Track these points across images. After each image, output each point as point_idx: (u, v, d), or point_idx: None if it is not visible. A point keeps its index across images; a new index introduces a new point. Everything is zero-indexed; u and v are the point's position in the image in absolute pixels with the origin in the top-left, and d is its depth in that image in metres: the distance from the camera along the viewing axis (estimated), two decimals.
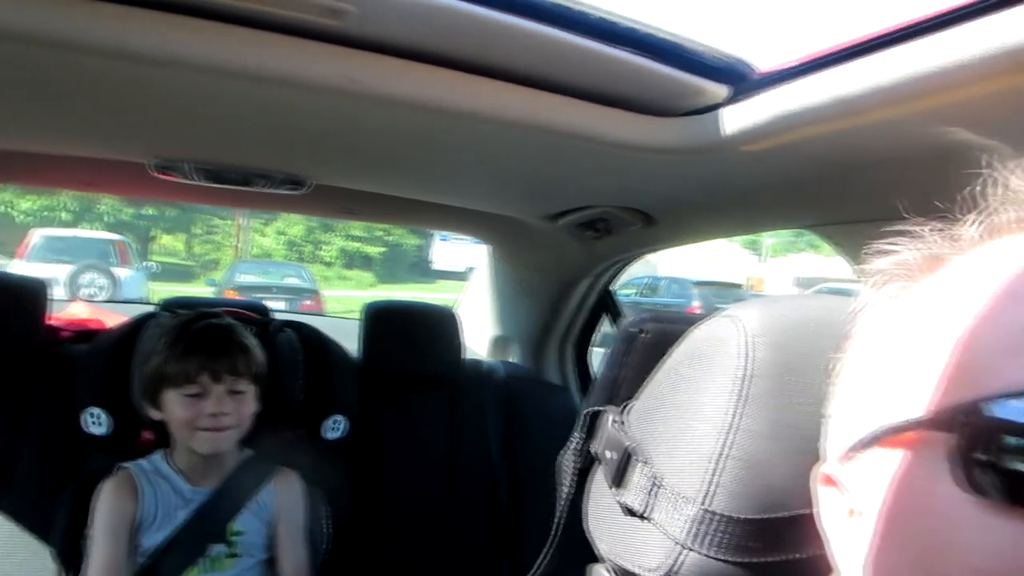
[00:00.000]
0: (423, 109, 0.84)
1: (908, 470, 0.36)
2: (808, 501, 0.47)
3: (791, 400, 0.50)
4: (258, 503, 1.34)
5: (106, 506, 1.26)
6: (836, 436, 0.44)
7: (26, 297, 1.56)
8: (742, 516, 0.49)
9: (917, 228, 0.43)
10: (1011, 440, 0.32)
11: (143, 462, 1.33)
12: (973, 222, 0.40)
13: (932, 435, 0.35)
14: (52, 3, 0.67)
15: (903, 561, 0.36)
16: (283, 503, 1.37)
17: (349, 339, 1.79)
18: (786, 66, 0.79)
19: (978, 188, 0.41)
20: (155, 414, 1.31)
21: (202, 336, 1.29)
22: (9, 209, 20.71)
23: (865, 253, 0.44)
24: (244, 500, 1.32)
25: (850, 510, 0.40)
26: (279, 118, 0.96)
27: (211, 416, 1.25)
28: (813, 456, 0.47)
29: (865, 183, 0.93)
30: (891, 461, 0.37)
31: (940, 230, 0.42)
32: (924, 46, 0.65)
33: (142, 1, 0.68)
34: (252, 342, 1.36)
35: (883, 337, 0.42)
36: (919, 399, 0.36)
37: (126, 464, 1.32)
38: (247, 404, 1.31)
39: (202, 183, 1.34)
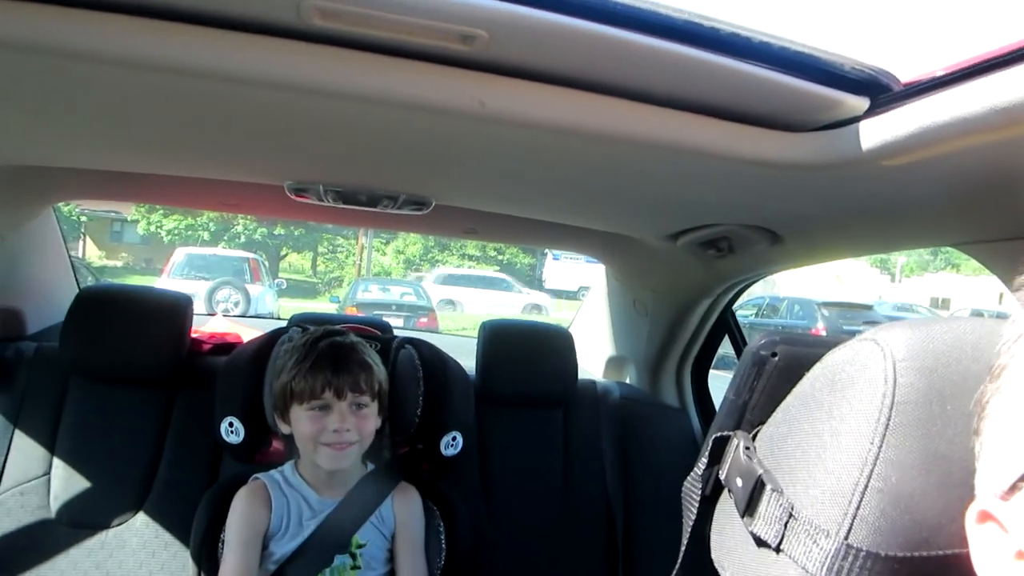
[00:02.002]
0: (551, 131, 0.85)
1: None
2: (964, 540, 0.43)
3: (943, 430, 0.47)
4: (380, 516, 1.37)
5: (240, 515, 1.32)
6: (994, 471, 0.41)
7: (175, 312, 1.70)
8: (886, 553, 0.46)
9: None
10: None
11: (275, 473, 1.39)
12: None
13: None
14: (200, 36, 0.72)
15: None
16: (403, 517, 1.40)
17: (467, 358, 1.82)
18: (931, 76, 0.75)
19: None
20: (284, 428, 1.36)
21: (327, 353, 1.33)
22: (157, 229, 22.59)
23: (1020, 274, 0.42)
24: (367, 513, 1.36)
25: (1018, 552, 0.38)
26: (408, 141, 1.00)
27: (334, 432, 1.29)
28: (969, 490, 0.44)
29: (1021, 196, 0.86)
30: None
31: None
32: None
33: (284, 32, 0.73)
34: (374, 359, 1.39)
35: None
36: None
37: (260, 475, 1.38)
38: (369, 420, 1.34)
39: (333, 204, 1.41)
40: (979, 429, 0.44)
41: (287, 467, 1.40)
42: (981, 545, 0.41)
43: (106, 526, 1.57)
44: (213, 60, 0.73)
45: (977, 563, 0.41)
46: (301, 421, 1.31)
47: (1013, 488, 0.39)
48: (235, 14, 0.70)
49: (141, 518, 1.58)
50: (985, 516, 0.41)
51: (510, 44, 0.73)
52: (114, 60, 0.73)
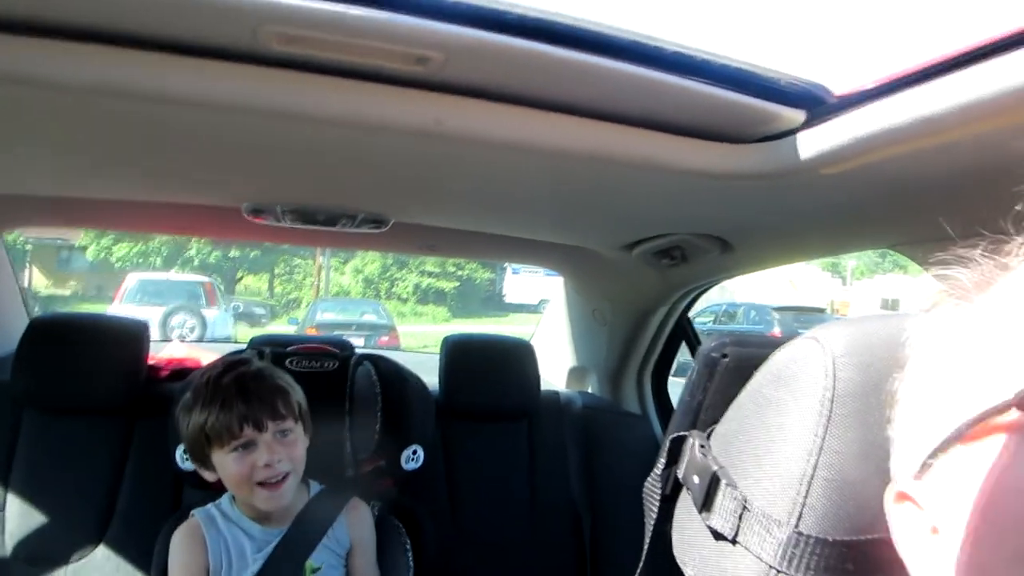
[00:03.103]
0: (506, 148, 0.87)
1: (995, 458, 0.36)
2: None
3: (879, 420, 0.49)
4: (332, 537, 1.33)
5: (177, 561, 1.27)
6: (906, 453, 0.44)
7: (131, 339, 1.67)
8: (835, 538, 0.48)
9: (968, 253, 0.44)
10: None
11: (212, 508, 1.32)
12: (1021, 246, 0.41)
13: (1019, 416, 0.35)
14: (158, 61, 0.73)
15: (998, 558, 0.35)
16: (356, 534, 1.36)
17: (429, 374, 1.82)
18: (864, 88, 0.79)
19: None
20: (210, 476, 1.28)
21: (234, 388, 1.24)
22: (107, 255, 22.01)
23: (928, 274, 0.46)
24: (318, 536, 1.30)
25: (932, 527, 0.40)
26: (365, 161, 1.02)
27: (265, 467, 1.22)
28: None
29: (950, 199, 0.91)
30: (973, 457, 0.37)
31: (990, 254, 0.43)
32: (1009, 61, 0.64)
33: (242, 56, 0.74)
34: (286, 379, 1.33)
35: (944, 351, 0.42)
36: (997, 389, 0.36)
37: (196, 511, 1.32)
38: (298, 445, 1.27)
39: (291, 225, 1.41)
40: (891, 417, 0.47)
41: (225, 499, 1.33)
42: (900, 524, 0.43)
43: (65, 561, 1.52)
44: (172, 85, 0.74)
45: (897, 541, 0.44)
46: (226, 465, 1.23)
47: (924, 467, 0.41)
48: (193, 39, 0.71)
49: (101, 551, 1.54)
50: (902, 496, 0.43)
51: (464, 65, 0.75)
52: (69, 86, 0.73)
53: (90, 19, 0.68)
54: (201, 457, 1.27)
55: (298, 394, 1.32)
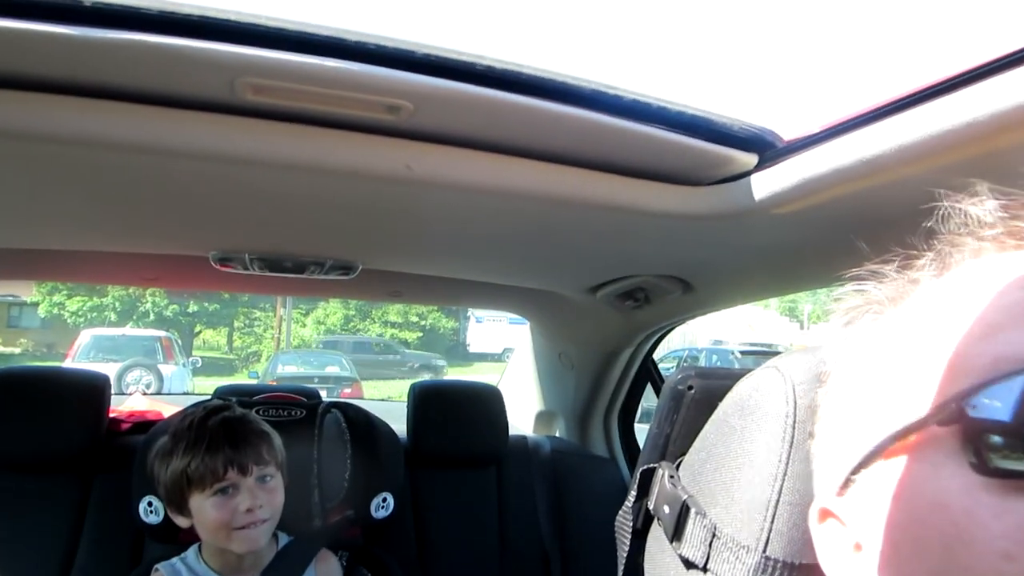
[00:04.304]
0: (472, 191, 0.90)
1: (916, 473, 0.36)
2: None
3: None
4: None
5: None
6: (828, 471, 0.44)
7: (91, 392, 1.63)
8: (802, 561, 0.49)
9: (881, 268, 0.46)
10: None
11: (177, 562, 1.28)
12: (931, 260, 0.43)
13: (938, 431, 0.35)
14: (118, 110, 0.74)
15: (921, 571, 0.35)
16: None
17: (396, 422, 1.81)
18: (810, 133, 0.84)
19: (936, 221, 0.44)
20: (183, 522, 1.25)
21: (220, 430, 1.23)
22: (60, 311, 21.41)
23: (834, 298, 0.47)
24: None
25: (855, 544, 0.40)
26: (336, 207, 1.03)
27: (246, 513, 1.19)
28: None
29: (896, 238, 0.96)
30: (895, 472, 0.37)
31: (901, 269, 0.45)
32: (942, 105, 0.69)
33: (216, 107, 0.76)
34: (269, 428, 1.31)
35: (862, 366, 0.43)
36: (916, 404, 0.36)
37: (161, 565, 1.28)
38: (277, 493, 1.26)
39: (259, 272, 1.40)
40: (813, 432, 0.48)
41: (191, 553, 1.29)
42: (824, 542, 0.43)
43: None
44: (147, 134, 0.75)
45: (822, 559, 0.43)
46: (205, 510, 1.19)
47: (846, 483, 0.40)
48: (170, 91, 0.73)
49: None
50: (825, 514, 0.43)
51: (433, 113, 0.78)
52: (41, 136, 0.74)
53: (67, 73, 0.69)
54: (178, 502, 1.23)
55: (279, 441, 1.31)
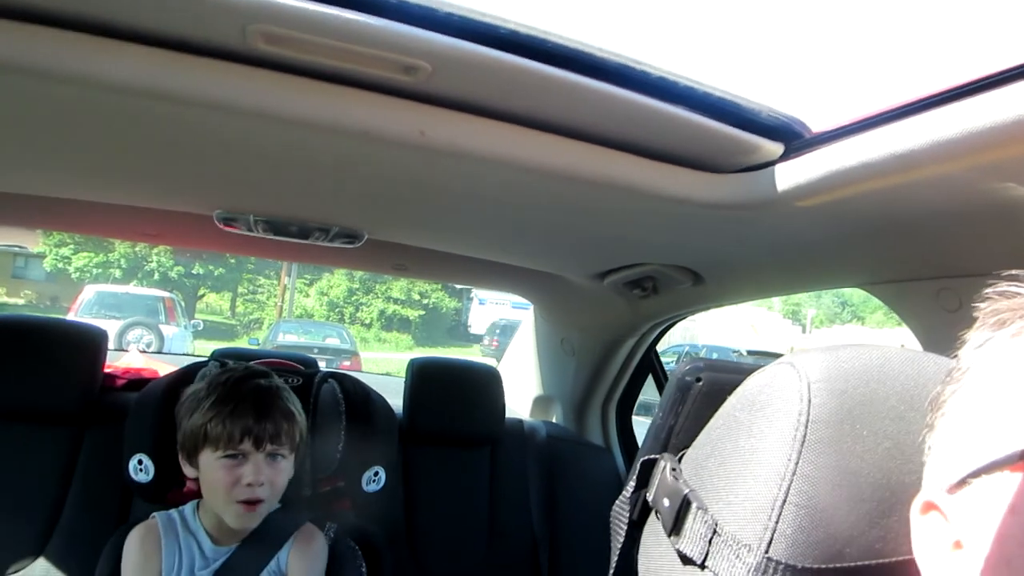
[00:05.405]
0: (486, 162, 0.87)
1: None
2: (873, 552, 0.46)
3: (852, 447, 0.49)
4: (277, 561, 1.28)
5: (131, 560, 1.23)
6: (942, 466, 0.44)
7: (88, 345, 1.61)
8: (803, 565, 0.48)
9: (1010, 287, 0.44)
10: None
11: (174, 513, 1.29)
12: None
13: None
14: (142, 55, 0.72)
15: None
16: (297, 565, 1.30)
17: (393, 396, 1.80)
18: (839, 125, 0.82)
19: None
20: (190, 471, 1.26)
21: (250, 397, 1.23)
22: (66, 265, 21.49)
23: (979, 297, 0.45)
24: (264, 561, 1.27)
25: (956, 541, 0.40)
26: (345, 170, 1.01)
27: (248, 486, 1.20)
28: (878, 505, 0.46)
29: (923, 239, 0.93)
30: (1011, 487, 0.37)
31: None
32: (981, 103, 0.66)
33: (228, 55, 0.73)
34: (297, 407, 1.31)
35: (1006, 371, 0.42)
36: None
37: (158, 514, 1.29)
38: (283, 475, 1.26)
39: (263, 235, 1.38)
40: (933, 424, 0.47)
41: (188, 507, 1.30)
42: (922, 534, 0.43)
43: (2, 573, 1.45)
44: (158, 79, 0.72)
45: (917, 551, 0.44)
46: (212, 469, 1.21)
47: (962, 483, 0.41)
48: (181, 35, 0.70)
49: (41, 564, 1.47)
50: (929, 507, 0.43)
51: (452, 77, 0.75)
52: (50, 73, 0.71)
53: (76, 7, 0.67)
54: (191, 450, 1.25)
55: (302, 424, 1.31)
